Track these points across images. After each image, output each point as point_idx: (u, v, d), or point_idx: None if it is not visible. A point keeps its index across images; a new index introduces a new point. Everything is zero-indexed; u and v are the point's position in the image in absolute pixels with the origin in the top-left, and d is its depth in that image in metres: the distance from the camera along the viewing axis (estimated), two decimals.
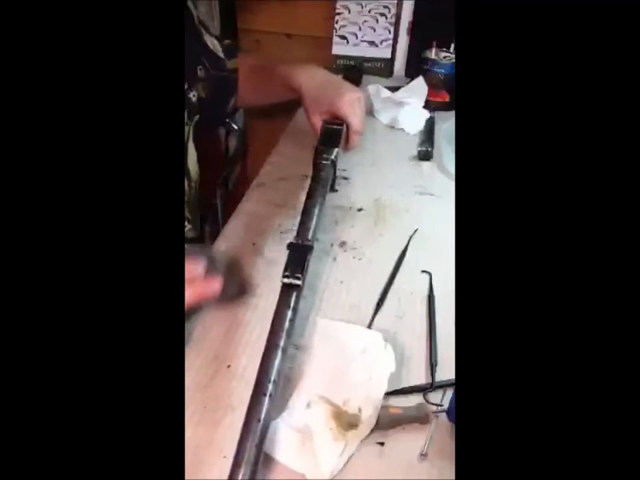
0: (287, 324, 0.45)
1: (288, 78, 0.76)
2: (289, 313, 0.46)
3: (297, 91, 0.75)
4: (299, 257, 0.50)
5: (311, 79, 0.75)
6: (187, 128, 0.76)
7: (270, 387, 0.40)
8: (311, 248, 0.52)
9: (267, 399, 0.39)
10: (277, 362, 0.42)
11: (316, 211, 0.57)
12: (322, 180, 0.62)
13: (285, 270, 0.49)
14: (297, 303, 0.47)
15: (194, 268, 0.47)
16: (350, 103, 0.71)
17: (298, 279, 0.48)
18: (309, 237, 0.53)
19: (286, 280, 0.48)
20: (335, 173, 0.67)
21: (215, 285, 0.47)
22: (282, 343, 0.43)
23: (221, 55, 0.79)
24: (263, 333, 0.45)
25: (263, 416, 0.38)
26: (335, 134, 0.69)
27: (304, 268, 0.49)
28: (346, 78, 0.99)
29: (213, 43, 0.76)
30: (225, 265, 0.52)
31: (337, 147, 0.67)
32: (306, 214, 0.57)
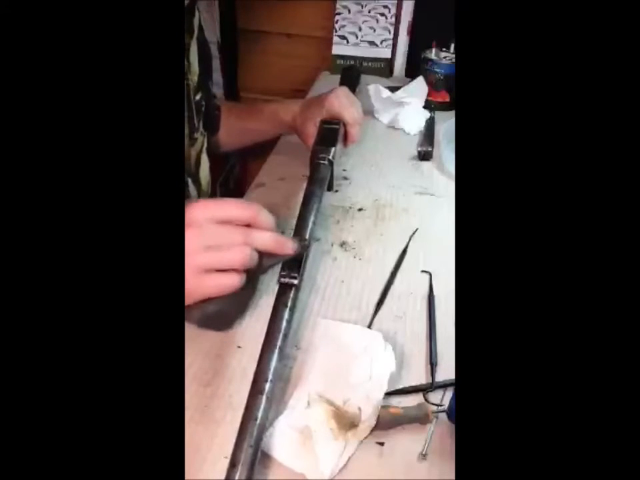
0: (284, 324, 0.45)
1: (275, 112, 0.79)
2: (286, 313, 0.46)
3: (286, 122, 0.77)
4: (295, 257, 0.50)
5: (297, 103, 0.77)
6: (201, 138, 0.76)
7: (267, 386, 0.40)
8: (307, 247, 0.52)
9: (263, 399, 0.39)
10: (273, 361, 0.42)
11: (313, 210, 0.57)
12: (319, 180, 0.62)
13: (282, 270, 0.49)
14: (294, 302, 0.47)
15: (270, 218, 0.47)
16: (337, 98, 0.71)
17: (294, 278, 0.48)
18: (306, 237, 0.53)
19: (283, 279, 0.48)
20: (332, 172, 0.67)
21: (292, 245, 0.48)
22: (279, 343, 0.43)
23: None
24: (263, 332, 0.45)
25: (259, 415, 0.38)
26: (331, 133, 0.68)
27: (300, 267, 0.49)
28: (343, 78, 0.99)
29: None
30: None
31: (334, 146, 0.66)
32: (302, 214, 0.57)
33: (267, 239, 0.46)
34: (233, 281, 0.44)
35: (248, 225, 0.46)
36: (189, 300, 0.44)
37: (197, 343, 0.48)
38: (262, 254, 0.47)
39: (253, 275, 0.47)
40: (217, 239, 0.44)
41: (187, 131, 0.71)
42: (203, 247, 0.43)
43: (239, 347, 0.49)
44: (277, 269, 0.50)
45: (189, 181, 0.75)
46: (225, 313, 0.49)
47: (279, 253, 0.48)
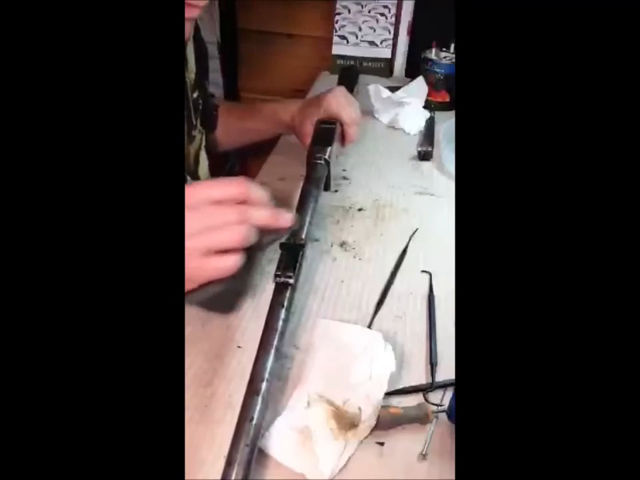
0: (280, 323, 0.45)
1: (274, 112, 0.79)
2: (282, 312, 0.46)
3: (285, 122, 0.77)
4: (291, 256, 0.50)
5: (296, 103, 0.77)
6: (199, 135, 0.76)
7: (263, 386, 0.40)
8: (302, 247, 0.52)
9: (259, 398, 0.39)
10: (269, 361, 0.42)
11: (309, 210, 0.57)
12: (315, 179, 0.62)
13: (277, 269, 0.49)
14: (290, 302, 0.47)
15: (262, 193, 0.46)
16: (335, 98, 0.71)
17: (290, 277, 0.48)
18: (302, 236, 0.53)
19: (278, 279, 0.48)
20: (329, 172, 0.67)
21: (288, 218, 0.46)
22: (275, 343, 0.43)
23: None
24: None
25: (256, 415, 0.38)
26: (327, 132, 0.69)
27: (296, 267, 0.49)
28: (341, 78, 0.99)
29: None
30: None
31: (330, 145, 0.66)
32: (299, 213, 0.56)
33: (261, 215, 0.45)
34: (232, 263, 0.43)
35: (245, 202, 0.44)
36: (191, 284, 0.43)
37: (197, 344, 0.48)
38: (261, 231, 0.45)
39: (252, 254, 0.47)
40: (212, 219, 0.43)
41: (185, 129, 0.71)
42: (200, 229, 0.42)
43: (239, 346, 0.49)
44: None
45: (189, 178, 0.76)
46: (227, 294, 0.48)
47: (275, 226, 0.46)
